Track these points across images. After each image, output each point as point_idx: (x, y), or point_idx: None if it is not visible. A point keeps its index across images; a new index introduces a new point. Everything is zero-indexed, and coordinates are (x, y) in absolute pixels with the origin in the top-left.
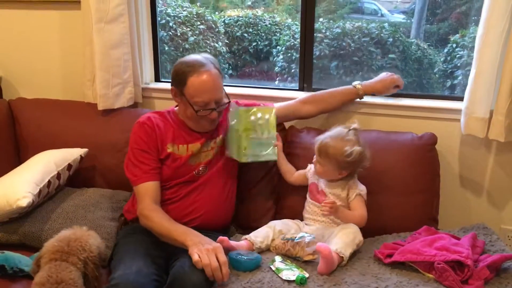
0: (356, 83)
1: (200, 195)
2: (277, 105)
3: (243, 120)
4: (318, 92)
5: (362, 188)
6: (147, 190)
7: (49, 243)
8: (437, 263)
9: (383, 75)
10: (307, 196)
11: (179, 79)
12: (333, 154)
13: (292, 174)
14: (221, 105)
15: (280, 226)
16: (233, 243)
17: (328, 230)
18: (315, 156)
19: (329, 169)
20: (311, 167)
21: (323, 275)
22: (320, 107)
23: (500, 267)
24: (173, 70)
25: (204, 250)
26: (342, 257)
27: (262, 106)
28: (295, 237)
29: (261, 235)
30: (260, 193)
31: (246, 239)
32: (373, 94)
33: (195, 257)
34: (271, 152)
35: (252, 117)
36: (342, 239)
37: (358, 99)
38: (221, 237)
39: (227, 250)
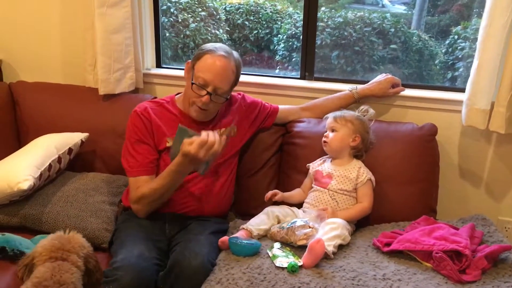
0: (351, 87)
1: (196, 185)
2: (281, 107)
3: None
4: (316, 100)
5: (371, 174)
6: (141, 184)
7: (45, 242)
8: (435, 252)
9: (378, 77)
10: (312, 185)
11: (198, 54)
12: (350, 116)
13: (303, 191)
14: (218, 95)
15: (277, 212)
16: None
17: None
18: (325, 134)
19: (344, 133)
20: (311, 166)
21: (306, 268)
22: (318, 113)
23: (497, 257)
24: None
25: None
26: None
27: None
28: (288, 224)
29: (257, 222)
30: (260, 181)
31: (243, 228)
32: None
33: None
34: None
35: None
36: (328, 234)
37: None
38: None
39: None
